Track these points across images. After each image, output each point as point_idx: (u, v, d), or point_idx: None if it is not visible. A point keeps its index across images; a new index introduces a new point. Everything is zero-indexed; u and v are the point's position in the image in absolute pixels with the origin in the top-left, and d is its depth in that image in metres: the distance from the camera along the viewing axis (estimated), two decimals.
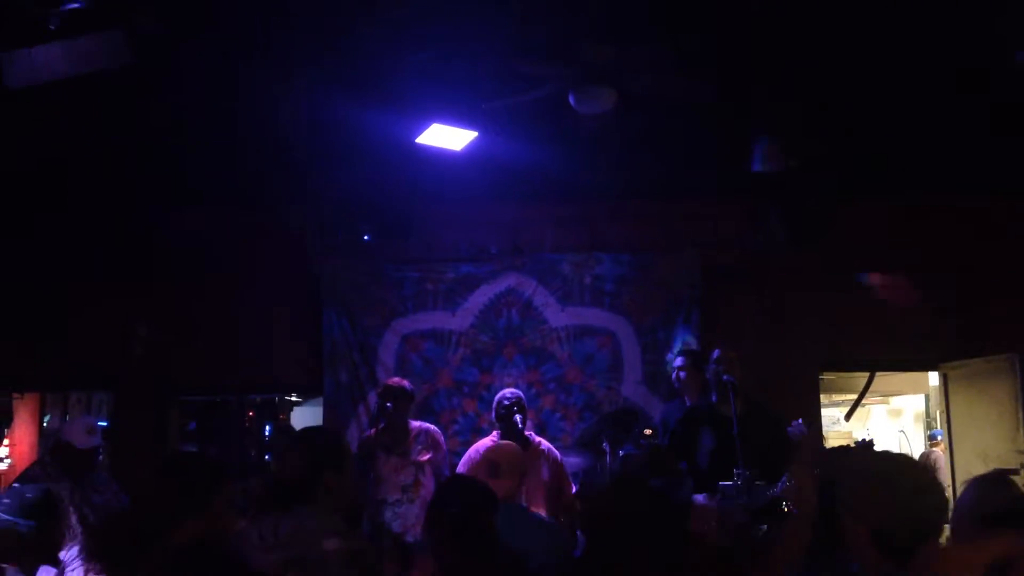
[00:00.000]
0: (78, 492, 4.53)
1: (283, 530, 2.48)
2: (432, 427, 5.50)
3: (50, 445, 5.10)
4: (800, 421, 4.91)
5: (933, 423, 8.77)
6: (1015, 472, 6.40)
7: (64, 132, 5.54)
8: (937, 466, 7.85)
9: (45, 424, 8.76)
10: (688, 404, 5.68)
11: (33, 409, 8.64)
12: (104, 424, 8.35)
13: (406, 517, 5.15)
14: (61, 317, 6.95)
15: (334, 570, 2.44)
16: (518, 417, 5.27)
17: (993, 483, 2.69)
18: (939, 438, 8.33)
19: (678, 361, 5.92)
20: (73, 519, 3.45)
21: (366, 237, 6.67)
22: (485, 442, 5.48)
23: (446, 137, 5.46)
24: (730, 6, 4.41)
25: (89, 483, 4.66)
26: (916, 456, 8.44)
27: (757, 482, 4.58)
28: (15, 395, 8.36)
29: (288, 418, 8.75)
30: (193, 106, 5.29)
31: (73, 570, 3.14)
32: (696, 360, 5.80)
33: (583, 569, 2.67)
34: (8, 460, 8.41)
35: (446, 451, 5.58)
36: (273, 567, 2.39)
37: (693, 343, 6.73)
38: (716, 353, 5.17)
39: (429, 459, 5.26)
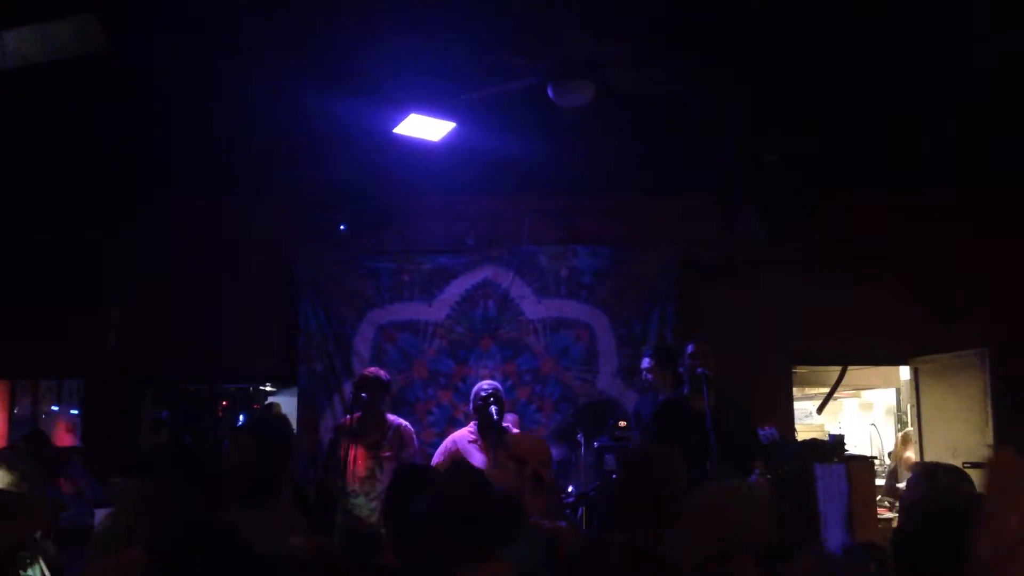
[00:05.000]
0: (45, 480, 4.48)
1: (248, 529, 2.33)
2: (406, 425, 5.46)
3: (27, 432, 5.02)
4: (773, 428, 4.94)
5: (904, 417, 8.87)
6: (982, 466, 6.50)
7: (36, 119, 5.46)
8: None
9: (15, 411, 8.65)
10: (661, 398, 5.70)
11: (3, 396, 8.52)
12: (75, 412, 8.28)
13: (360, 509, 5.13)
14: (33, 305, 6.87)
15: (300, 568, 2.41)
16: (494, 408, 5.27)
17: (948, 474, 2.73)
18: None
19: (645, 362, 5.85)
20: None
21: (342, 227, 6.64)
22: (462, 432, 5.49)
23: (424, 128, 5.44)
24: (708, 4, 4.43)
25: (62, 472, 4.62)
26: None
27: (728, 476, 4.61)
28: None
29: (262, 408, 8.69)
30: (168, 95, 5.23)
31: None
32: (663, 358, 5.77)
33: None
34: None
35: (416, 449, 5.54)
36: None
37: (669, 336, 6.76)
38: (691, 347, 5.17)
39: (391, 456, 5.24)
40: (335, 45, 4.75)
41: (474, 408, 5.40)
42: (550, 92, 4.77)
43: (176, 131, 5.74)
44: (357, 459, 5.20)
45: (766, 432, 4.89)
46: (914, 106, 5.56)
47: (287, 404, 7.56)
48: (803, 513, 3.27)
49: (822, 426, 8.91)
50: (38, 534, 2.93)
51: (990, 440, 6.47)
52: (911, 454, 8.10)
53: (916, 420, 7.28)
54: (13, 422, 8.49)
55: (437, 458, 5.46)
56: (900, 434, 8.44)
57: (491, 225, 7.07)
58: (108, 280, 6.94)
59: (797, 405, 7.66)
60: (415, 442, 5.47)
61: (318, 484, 5.13)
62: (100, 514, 4.31)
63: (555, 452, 5.75)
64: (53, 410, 8.63)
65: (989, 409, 6.50)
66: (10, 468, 2.68)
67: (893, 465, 8.09)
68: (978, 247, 6.91)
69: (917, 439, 7.40)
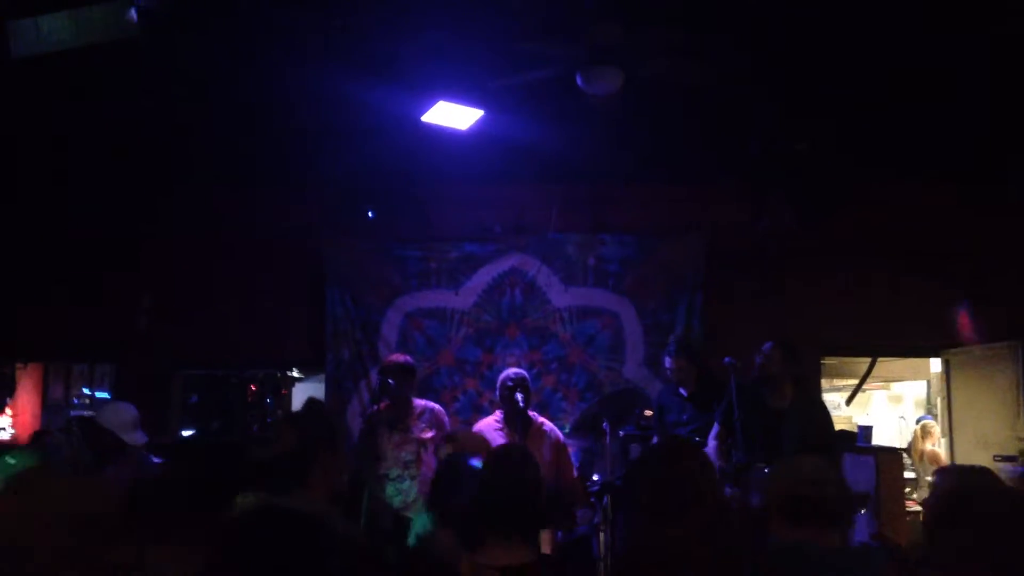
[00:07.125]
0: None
1: None
2: (437, 406, 5.51)
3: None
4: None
5: (933, 409, 8.77)
6: (1013, 459, 6.43)
7: (68, 104, 5.53)
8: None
9: (49, 394, 8.79)
10: (683, 392, 5.68)
11: (36, 379, 8.68)
12: (107, 396, 8.41)
13: (407, 493, 5.18)
14: (66, 288, 6.98)
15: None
16: (519, 396, 5.29)
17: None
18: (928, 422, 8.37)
19: (667, 362, 5.77)
20: None
21: (370, 215, 6.66)
22: (488, 421, 5.51)
23: (452, 116, 5.44)
24: None
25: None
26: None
27: (760, 465, 4.63)
28: (18, 365, 8.39)
29: (290, 393, 8.77)
30: (199, 82, 5.27)
31: None
32: (687, 353, 5.74)
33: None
34: (11, 430, 8.45)
35: (449, 431, 5.59)
36: None
37: (696, 326, 6.74)
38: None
39: (432, 437, 5.28)
40: (364, 34, 4.76)
41: (500, 396, 5.42)
42: (579, 80, 4.75)
43: (207, 118, 5.78)
44: (399, 445, 5.24)
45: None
46: (949, 96, 5.48)
47: (315, 390, 7.62)
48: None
49: (850, 418, 8.85)
50: None
51: (1022, 433, 6.39)
52: (931, 446, 8.03)
53: (946, 413, 7.20)
54: (46, 405, 8.65)
55: None
56: (919, 426, 8.36)
57: (518, 213, 7.07)
58: (140, 266, 7.04)
59: (826, 396, 7.60)
60: (447, 423, 5.52)
61: (349, 471, 5.17)
62: None
63: (580, 441, 5.76)
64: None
65: (1021, 402, 6.42)
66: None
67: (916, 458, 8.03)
68: (1011, 239, 6.81)
69: (945, 431, 7.33)
